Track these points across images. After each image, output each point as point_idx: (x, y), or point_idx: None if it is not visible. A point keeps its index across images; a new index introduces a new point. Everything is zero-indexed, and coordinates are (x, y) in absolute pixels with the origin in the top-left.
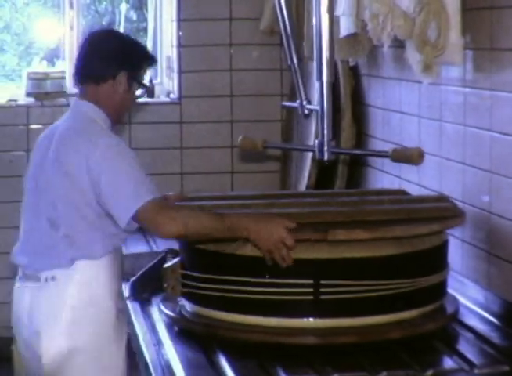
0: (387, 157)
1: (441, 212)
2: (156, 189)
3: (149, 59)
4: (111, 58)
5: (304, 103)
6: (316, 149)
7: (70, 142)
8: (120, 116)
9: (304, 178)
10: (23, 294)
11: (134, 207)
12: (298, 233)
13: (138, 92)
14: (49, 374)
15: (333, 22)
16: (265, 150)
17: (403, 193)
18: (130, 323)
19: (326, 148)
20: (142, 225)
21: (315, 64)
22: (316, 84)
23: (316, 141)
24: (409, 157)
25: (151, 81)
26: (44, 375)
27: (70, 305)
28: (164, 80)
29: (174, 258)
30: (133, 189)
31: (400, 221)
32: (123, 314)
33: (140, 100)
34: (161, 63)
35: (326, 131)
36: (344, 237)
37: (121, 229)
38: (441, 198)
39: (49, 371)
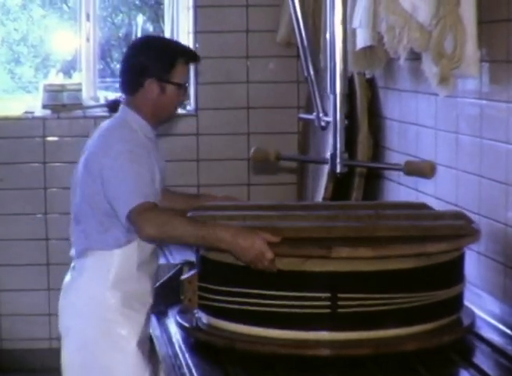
0: (400, 170)
1: (455, 231)
2: (152, 194)
3: (182, 57)
4: (133, 69)
5: (321, 115)
6: (329, 161)
7: (96, 144)
8: (161, 119)
9: (320, 190)
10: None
11: (126, 209)
12: (302, 249)
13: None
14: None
15: (350, 34)
16: (280, 162)
17: (425, 206)
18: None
19: (338, 160)
20: (131, 225)
21: (328, 76)
22: (331, 97)
23: (329, 153)
24: (422, 170)
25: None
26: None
27: (78, 292)
28: None
29: (191, 270)
30: (129, 194)
31: (410, 238)
32: (133, 311)
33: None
34: None
35: (338, 144)
36: (347, 255)
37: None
38: (458, 215)
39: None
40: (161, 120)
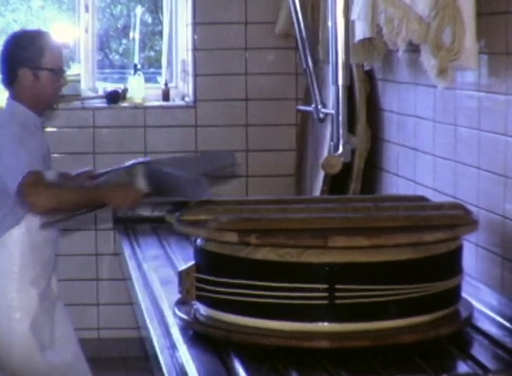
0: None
1: (451, 220)
2: (35, 165)
3: (48, 44)
4: (7, 62)
5: (319, 106)
6: (332, 151)
7: None
8: (42, 106)
9: (318, 182)
10: None
11: (15, 184)
12: (299, 239)
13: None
14: None
15: (349, 26)
16: (278, 154)
17: (423, 199)
18: (144, 327)
19: (340, 151)
20: (22, 201)
21: (330, 68)
22: (332, 88)
23: (331, 144)
24: None
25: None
26: None
27: None
28: (178, 83)
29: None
30: (14, 168)
31: (407, 228)
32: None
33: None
34: (176, 66)
35: (341, 135)
36: (344, 244)
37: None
38: (456, 206)
39: None
40: (43, 107)
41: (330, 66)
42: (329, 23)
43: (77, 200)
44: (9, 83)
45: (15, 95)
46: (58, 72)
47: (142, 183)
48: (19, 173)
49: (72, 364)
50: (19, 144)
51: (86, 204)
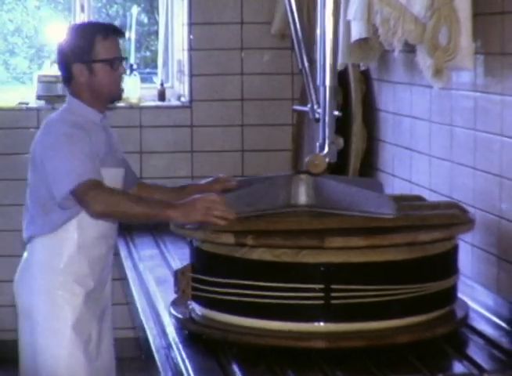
0: None
1: (448, 219)
2: (90, 170)
3: (99, 33)
4: (61, 61)
5: (315, 107)
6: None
7: (39, 134)
8: (104, 99)
9: None
10: None
11: (66, 189)
12: (295, 240)
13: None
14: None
15: (345, 26)
16: (273, 154)
17: (420, 199)
18: (140, 327)
19: (325, 151)
20: (78, 202)
21: (318, 69)
22: (321, 89)
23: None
24: None
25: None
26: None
27: (27, 273)
28: (174, 83)
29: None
30: (67, 174)
31: (403, 228)
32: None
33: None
34: (172, 66)
35: (327, 135)
36: (340, 245)
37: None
38: (452, 205)
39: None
40: (105, 100)
41: (318, 66)
42: (318, 24)
43: (135, 215)
44: (68, 82)
45: (74, 92)
46: (113, 62)
47: (305, 194)
48: (69, 179)
49: (105, 373)
50: (66, 144)
51: (146, 217)
